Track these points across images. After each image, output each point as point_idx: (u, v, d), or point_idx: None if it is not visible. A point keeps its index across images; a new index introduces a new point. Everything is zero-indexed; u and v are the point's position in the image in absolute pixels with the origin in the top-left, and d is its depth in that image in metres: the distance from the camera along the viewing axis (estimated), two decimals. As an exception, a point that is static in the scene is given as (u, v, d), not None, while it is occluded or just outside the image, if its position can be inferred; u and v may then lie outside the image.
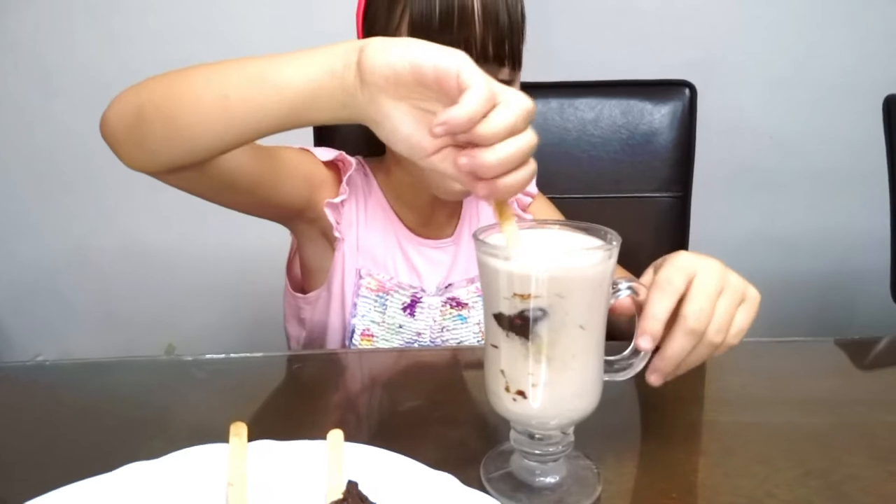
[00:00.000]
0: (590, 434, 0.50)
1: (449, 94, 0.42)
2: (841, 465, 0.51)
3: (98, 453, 0.52)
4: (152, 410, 0.60)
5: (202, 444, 0.48)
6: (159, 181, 0.64)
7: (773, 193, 1.65)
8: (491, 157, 0.41)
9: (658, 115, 1.02)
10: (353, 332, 0.81)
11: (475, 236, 0.46)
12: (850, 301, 1.71)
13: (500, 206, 0.45)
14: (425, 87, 0.43)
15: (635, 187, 1.02)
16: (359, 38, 0.78)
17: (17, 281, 1.69)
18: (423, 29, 0.69)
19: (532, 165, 0.44)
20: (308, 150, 0.80)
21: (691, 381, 0.64)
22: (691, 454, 0.54)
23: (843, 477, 0.49)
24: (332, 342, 0.83)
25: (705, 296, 0.48)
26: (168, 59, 1.61)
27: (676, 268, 0.49)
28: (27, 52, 1.53)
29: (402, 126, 0.45)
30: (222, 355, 0.69)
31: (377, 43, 0.45)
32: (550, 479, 0.48)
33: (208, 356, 0.69)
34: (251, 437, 0.48)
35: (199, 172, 0.62)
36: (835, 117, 1.61)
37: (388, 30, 0.72)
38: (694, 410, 0.62)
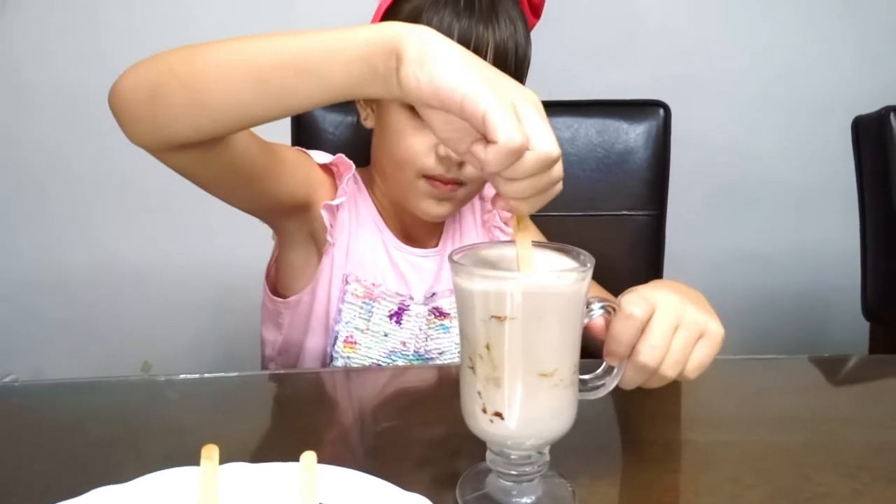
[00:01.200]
0: (565, 453, 0.50)
1: (477, 129, 0.42)
2: (810, 484, 0.51)
3: (66, 477, 0.51)
4: (123, 432, 0.59)
5: (173, 466, 0.47)
6: (161, 162, 0.62)
7: (747, 211, 1.68)
8: (511, 189, 0.44)
9: (633, 135, 1.04)
10: (335, 338, 0.80)
11: (450, 258, 0.46)
12: (823, 318, 1.74)
13: (520, 220, 0.46)
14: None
15: (611, 205, 1.04)
16: None
17: (-10, 298, 1.66)
18: None
19: (553, 191, 0.45)
20: (305, 152, 0.80)
21: (665, 399, 0.65)
22: (664, 473, 0.54)
23: (812, 495, 0.50)
24: (312, 347, 0.82)
25: (658, 333, 0.49)
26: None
27: (640, 296, 0.50)
28: (3, 67, 1.52)
29: (438, 128, 0.46)
30: (196, 375, 0.69)
31: (412, 56, 0.44)
32: (527, 500, 0.48)
33: (182, 376, 0.68)
34: (224, 459, 0.47)
35: (205, 153, 0.61)
36: (808, 135, 1.64)
37: None
38: (667, 429, 0.62)
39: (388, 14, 0.78)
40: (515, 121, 0.41)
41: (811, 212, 1.68)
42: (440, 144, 0.74)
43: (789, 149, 1.65)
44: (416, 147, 0.76)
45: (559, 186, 0.45)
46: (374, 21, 0.80)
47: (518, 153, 0.41)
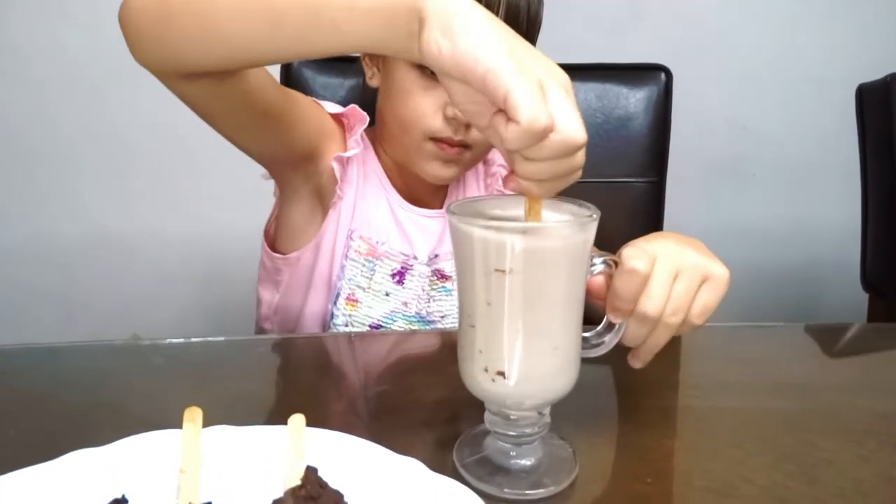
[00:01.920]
0: (565, 417, 0.49)
1: (499, 107, 0.40)
2: (814, 449, 0.50)
3: (44, 440, 0.48)
4: (105, 396, 0.57)
5: (155, 429, 0.45)
6: (170, 91, 0.61)
7: (746, 183, 1.66)
8: (528, 168, 0.41)
9: (633, 100, 1.01)
10: (338, 295, 0.79)
11: (450, 210, 0.43)
12: (821, 290, 1.73)
13: (532, 204, 0.43)
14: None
15: (610, 172, 1.01)
16: None
17: (-25, 267, 1.63)
18: None
19: (570, 178, 0.43)
20: (316, 101, 0.78)
21: (665, 366, 0.63)
22: (665, 438, 0.53)
23: (817, 461, 0.49)
24: (312, 305, 0.81)
25: (658, 282, 0.48)
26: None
27: (640, 249, 0.48)
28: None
29: (458, 98, 0.43)
30: (182, 340, 0.66)
31: (436, 22, 0.42)
32: (526, 462, 0.46)
33: (168, 341, 0.66)
34: (208, 424, 0.45)
35: (217, 84, 0.59)
36: (807, 109, 1.62)
37: None
38: (668, 395, 0.61)
39: None
40: (540, 101, 0.39)
41: (809, 185, 1.67)
42: (448, 105, 0.72)
43: (787, 122, 1.63)
44: (424, 108, 0.73)
45: (577, 174, 0.43)
46: None
47: (541, 135, 0.39)
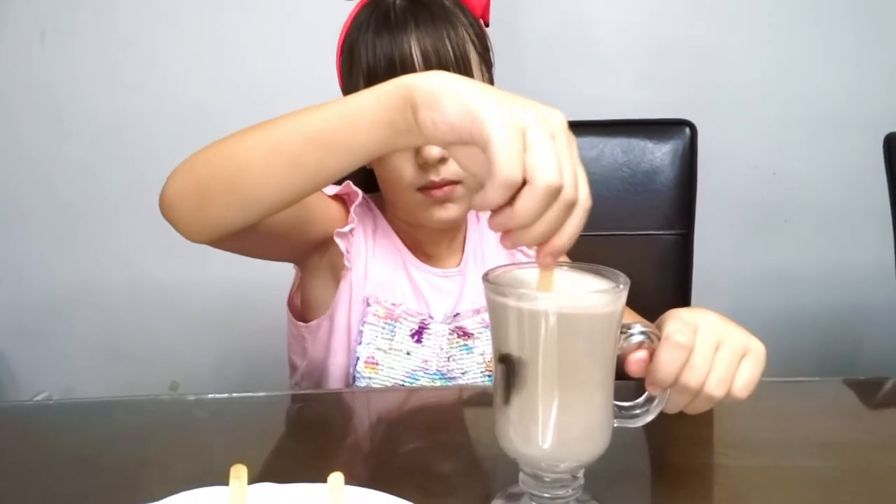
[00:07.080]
0: (598, 478, 0.50)
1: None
2: (850, 511, 0.50)
3: (97, 496, 0.51)
4: (153, 451, 0.59)
5: (202, 486, 0.47)
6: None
7: (776, 229, 1.65)
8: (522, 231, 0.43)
9: (659, 154, 1.03)
10: (357, 359, 0.81)
11: (484, 278, 0.46)
12: (856, 337, 1.69)
13: (542, 274, 0.45)
14: None
15: (638, 225, 1.03)
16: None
17: (24, 316, 1.69)
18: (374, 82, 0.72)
19: (568, 231, 0.43)
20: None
21: (698, 423, 0.64)
22: (697, 499, 0.53)
23: (853, 523, 0.49)
24: (335, 370, 0.83)
25: (701, 354, 0.48)
26: (176, 102, 1.62)
27: (682, 321, 0.49)
28: (39, 93, 1.56)
29: (466, 163, 0.46)
30: (225, 395, 0.69)
31: (424, 102, 0.46)
32: (560, 523, 0.47)
33: (210, 396, 0.69)
34: (252, 479, 0.47)
35: (253, 232, 0.64)
36: (837, 152, 1.61)
37: (350, 89, 0.78)
38: (701, 454, 0.61)
39: (343, 55, 0.81)
40: (517, 152, 0.41)
41: (842, 229, 1.65)
42: (417, 154, 0.75)
43: (817, 166, 1.63)
44: (397, 163, 0.77)
45: (575, 221, 0.43)
46: (338, 57, 0.83)
47: (514, 185, 0.41)
